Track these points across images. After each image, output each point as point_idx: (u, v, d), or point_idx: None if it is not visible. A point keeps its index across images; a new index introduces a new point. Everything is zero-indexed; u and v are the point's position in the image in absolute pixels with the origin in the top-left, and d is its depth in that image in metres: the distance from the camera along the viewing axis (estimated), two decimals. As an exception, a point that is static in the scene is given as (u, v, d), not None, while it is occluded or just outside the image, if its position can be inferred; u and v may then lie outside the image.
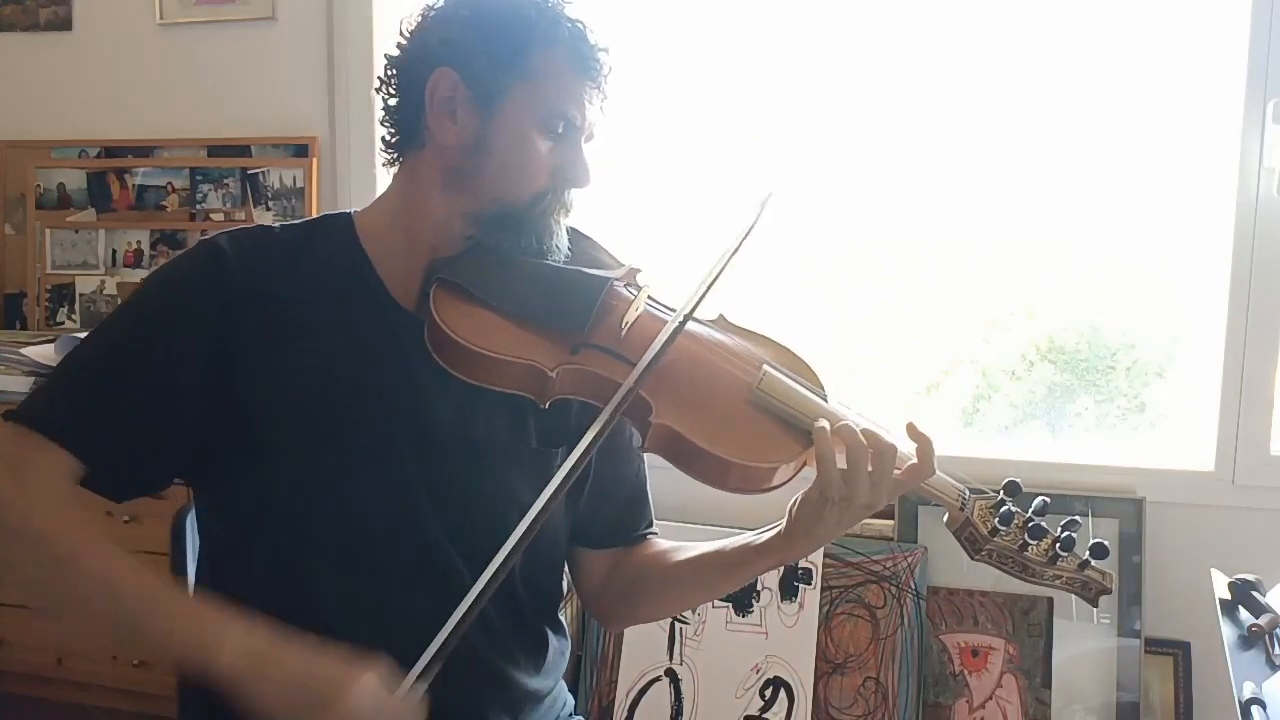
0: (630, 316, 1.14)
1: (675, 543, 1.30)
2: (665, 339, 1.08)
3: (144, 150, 2.87)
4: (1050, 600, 2.15)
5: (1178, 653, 2.15)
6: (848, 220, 2.54)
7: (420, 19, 1.16)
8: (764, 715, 2.20)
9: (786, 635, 2.23)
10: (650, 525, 1.34)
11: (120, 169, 2.88)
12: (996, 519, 1.10)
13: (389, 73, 1.17)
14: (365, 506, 1.12)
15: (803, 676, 2.20)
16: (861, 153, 2.48)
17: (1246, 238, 2.12)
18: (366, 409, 1.13)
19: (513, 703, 1.21)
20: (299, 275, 1.15)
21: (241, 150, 2.80)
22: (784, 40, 2.49)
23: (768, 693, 2.21)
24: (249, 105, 2.77)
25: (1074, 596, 1.13)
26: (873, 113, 2.46)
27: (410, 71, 1.15)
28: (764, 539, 1.15)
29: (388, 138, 1.19)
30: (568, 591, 1.34)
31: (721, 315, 1.24)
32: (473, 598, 1.00)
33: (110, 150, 2.90)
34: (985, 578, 2.14)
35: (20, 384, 2.58)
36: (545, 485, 1.03)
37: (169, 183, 2.85)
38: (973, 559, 1.12)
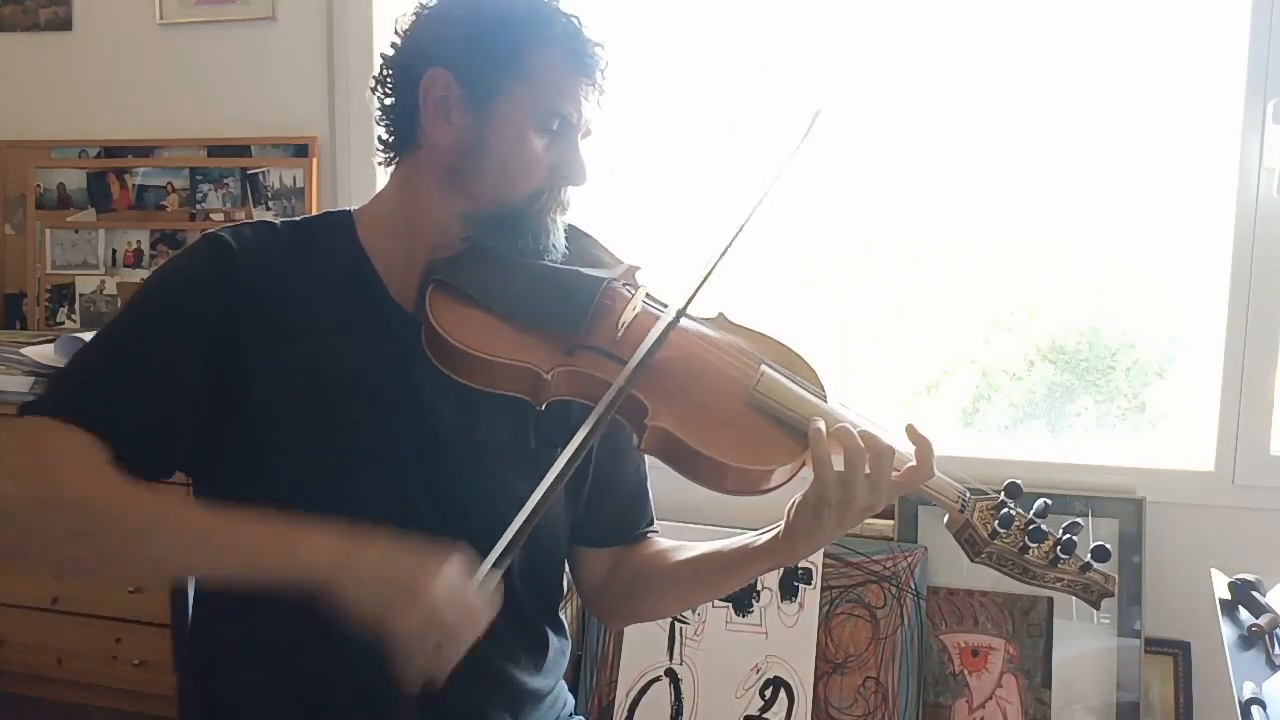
0: (627, 317, 1.13)
1: (676, 542, 1.30)
2: (655, 338, 1.07)
3: (144, 150, 2.87)
4: (1050, 600, 2.15)
5: (1178, 653, 2.15)
6: (848, 220, 2.54)
7: (414, 18, 1.16)
8: (764, 715, 2.20)
9: (786, 635, 2.23)
10: (651, 524, 1.34)
11: (120, 169, 2.88)
12: (996, 521, 1.09)
13: (384, 72, 1.17)
14: (365, 507, 1.11)
15: (803, 676, 2.20)
16: (861, 153, 2.48)
17: (1246, 238, 2.12)
18: (367, 409, 1.12)
19: (513, 702, 1.21)
20: (300, 274, 1.15)
21: (241, 150, 2.80)
22: (784, 40, 2.49)
23: (768, 693, 2.21)
24: (249, 105, 2.77)
25: (1075, 598, 1.12)
26: (873, 113, 2.46)
27: (405, 71, 1.15)
28: (763, 540, 1.15)
29: (384, 137, 1.18)
30: (568, 591, 1.34)
31: (721, 313, 1.23)
32: (541, 492, 1.00)
33: (110, 150, 2.90)
34: (985, 578, 2.14)
35: (20, 384, 2.58)
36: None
37: (169, 183, 2.85)
38: (972, 561, 1.11)
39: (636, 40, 2.50)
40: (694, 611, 2.28)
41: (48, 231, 2.93)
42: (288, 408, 1.11)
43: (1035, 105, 2.37)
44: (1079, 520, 1.11)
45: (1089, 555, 1.11)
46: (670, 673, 2.27)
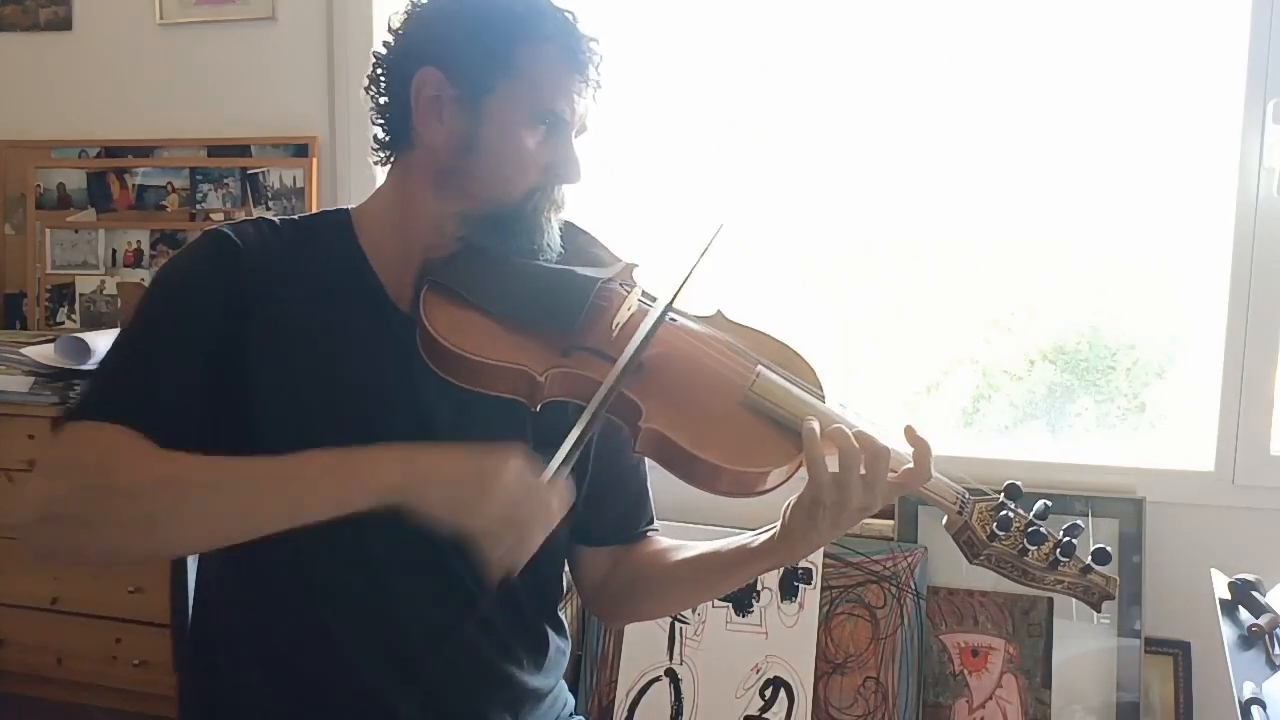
0: (622, 316, 1.12)
1: (675, 541, 1.29)
2: (640, 339, 1.06)
3: (144, 150, 2.87)
4: (1050, 600, 2.15)
5: (1178, 653, 2.15)
6: (848, 220, 2.54)
7: (406, 16, 1.15)
8: (764, 715, 2.20)
9: (786, 635, 2.23)
10: (651, 523, 1.34)
11: (120, 169, 2.88)
12: (995, 524, 1.08)
13: (377, 71, 1.16)
14: None
15: (803, 676, 2.20)
16: (862, 153, 2.48)
17: (1246, 238, 2.12)
18: (365, 410, 1.12)
19: (513, 701, 1.21)
20: (300, 273, 1.14)
21: (241, 150, 2.80)
22: (784, 40, 2.49)
23: (768, 693, 2.21)
24: (249, 105, 2.77)
25: (1076, 600, 1.12)
26: (873, 113, 2.46)
27: (397, 71, 1.14)
28: (760, 542, 1.14)
29: (380, 137, 1.18)
30: (567, 590, 1.34)
31: (719, 311, 1.22)
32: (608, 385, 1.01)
33: (110, 150, 2.90)
34: (985, 578, 2.14)
35: (20, 384, 2.58)
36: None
37: (169, 183, 2.85)
38: (971, 563, 1.10)
39: (636, 40, 2.50)
40: (694, 611, 2.28)
41: (48, 231, 2.93)
42: (286, 407, 1.10)
43: (1035, 105, 2.37)
44: (1079, 522, 1.10)
45: (1089, 558, 1.10)
46: (670, 673, 2.27)
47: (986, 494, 1.11)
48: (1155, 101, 2.30)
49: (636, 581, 1.28)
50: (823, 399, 1.13)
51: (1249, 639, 1.29)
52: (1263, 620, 1.30)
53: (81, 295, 2.92)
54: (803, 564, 2.23)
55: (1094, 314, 2.47)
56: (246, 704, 1.17)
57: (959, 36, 2.40)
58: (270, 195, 2.76)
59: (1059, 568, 1.09)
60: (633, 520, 1.32)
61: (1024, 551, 1.09)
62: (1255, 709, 1.16)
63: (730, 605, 2.26)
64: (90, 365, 2.52)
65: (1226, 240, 2.15)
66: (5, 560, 2.61)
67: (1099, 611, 1.12)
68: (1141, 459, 2.27)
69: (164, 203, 2.86)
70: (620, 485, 1.29)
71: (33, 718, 2.67)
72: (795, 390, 1.10)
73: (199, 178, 2.83)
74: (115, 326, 2.77)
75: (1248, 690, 1.19)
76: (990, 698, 2.16)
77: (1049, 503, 1.11)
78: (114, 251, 2.90)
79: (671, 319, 1.13)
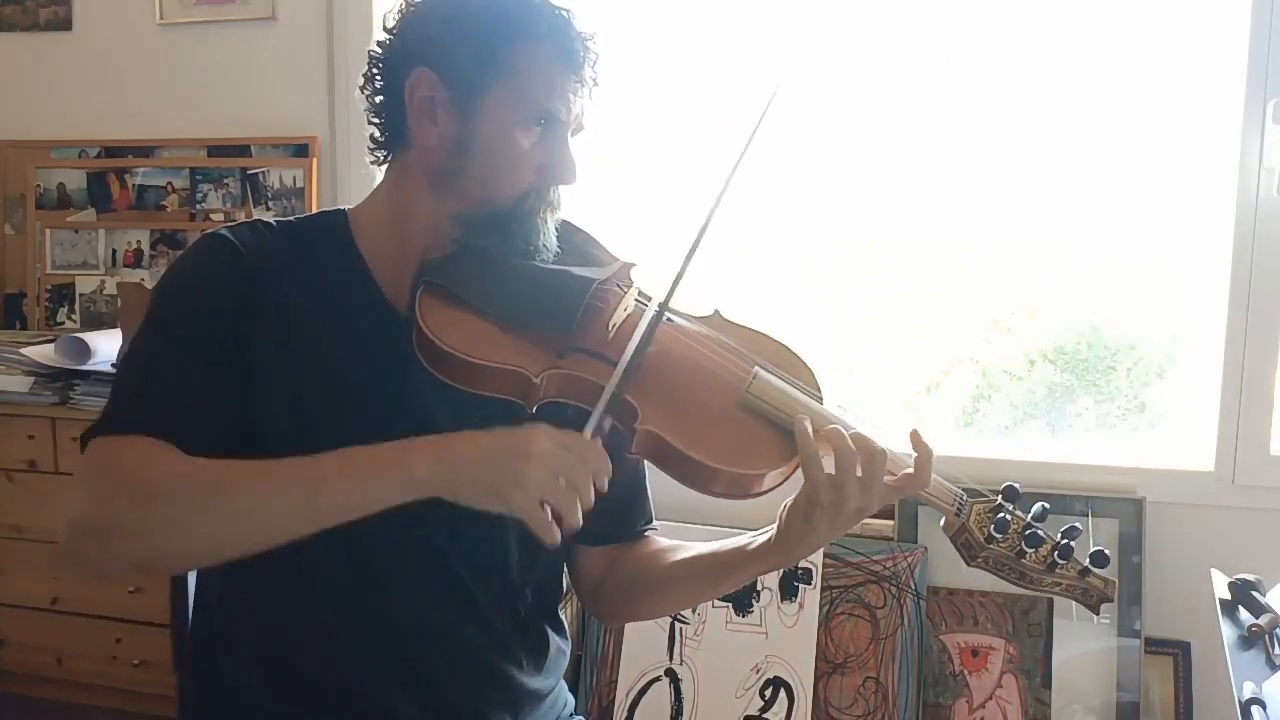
0: (618, 317, 1.12)
1: (674, 541, 1.29)
2: (639, 339, 1.05)
3: (144, 150, 2.88)
4: (1050, 600, 2.15)
5: (1178, 653, 2.15)
6: (848, 220, 2.54)
7: (400, 15, 1.14)
8: (764, 715, 2.20)
9: (786, 635, 2.23)
10: (649, 522, 1.33)
11: (120, 169, 2.88)
12: (993, 526, 1.07)
13: (372, 71, 1.15)
14: None
15: (803, 676, 2.20)
16: (861, 152, 2.48)
17: (1246, 238, 2.12)
18: (366, 411, 1.12)
19: (513, 702, 1.21)
20: (299, 275, 1.14)
21: (241, 150, 2.80)
22: (784, 40, 2.49)
23: (768, 693, 2.21)
24: (249, 105, 2.77)
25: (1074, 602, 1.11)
26: (873, 113, 2.46)
27: (391, 71, 1.13)
28: (758, 543, 1.14)
29: (376, 137, 1.17)
30: (567, 590, 1.34)
31: (716, 311, 1.21)
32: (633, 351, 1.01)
33: (110, 150, 2.90)
34: (985, 578, 2.10)
35: (20, 384, 2.58)
36: None
37: (169, 183, 2.85)
38: (969, 564, 1.09)
39: (635, 38, 2.50)
40: (694, 611, 2.28)
41: (48, 231, 2.93)
42: (287, 407, 1.10)
43: (1036, 105, 2.37)
44: (1077, 524, 1.09)
45: (1087, 560, 1.10)
46: (670, 673, 2.27)
47: (984, 495, 1.10)
48: (1155, 102, 2.29)
49: (634, 582, 1.28)
50: (821, 400, 1.12)
51: (1249, 639, 1.29)
52: (1263, 620, 1.30)
53: (81, 295, 2.92)
54: (803, 564, 2.23)
55: (1094, 314, 2.47)
56: (246, 704, 1.17)
57: (959, 36, 2.39)
58: (270, 195, 2.76)
59: (1057, 570, 1.08)
60: (630, 520, 1.32)
61: (1021, 554, 1.08)
62: (1255, 709, 1.16)
63: (730, 605, 2.26)
64: (90, 365, 2.53)
65: (1226, 240, 2.15)
66: (5, 560, 2.61)
67: (1097, 614, 1.12)
68: (1141, 459, 2.27)
69: (164, 203, 2.86)
70: (618, 484, 1.28)
71: (33, 718, 2.67)
72: (793, 391, 1.10)
73: (199, 178, 2.83)
74: (115, 326, 2.77)
75: (1248, 690, 1.19)
76: (990, 698, 2.16)
77: (1047, 505, 1.11)
78: (114, 251, 2.90)
79: (668, 319, 1.13)
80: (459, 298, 1.09)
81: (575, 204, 1.19)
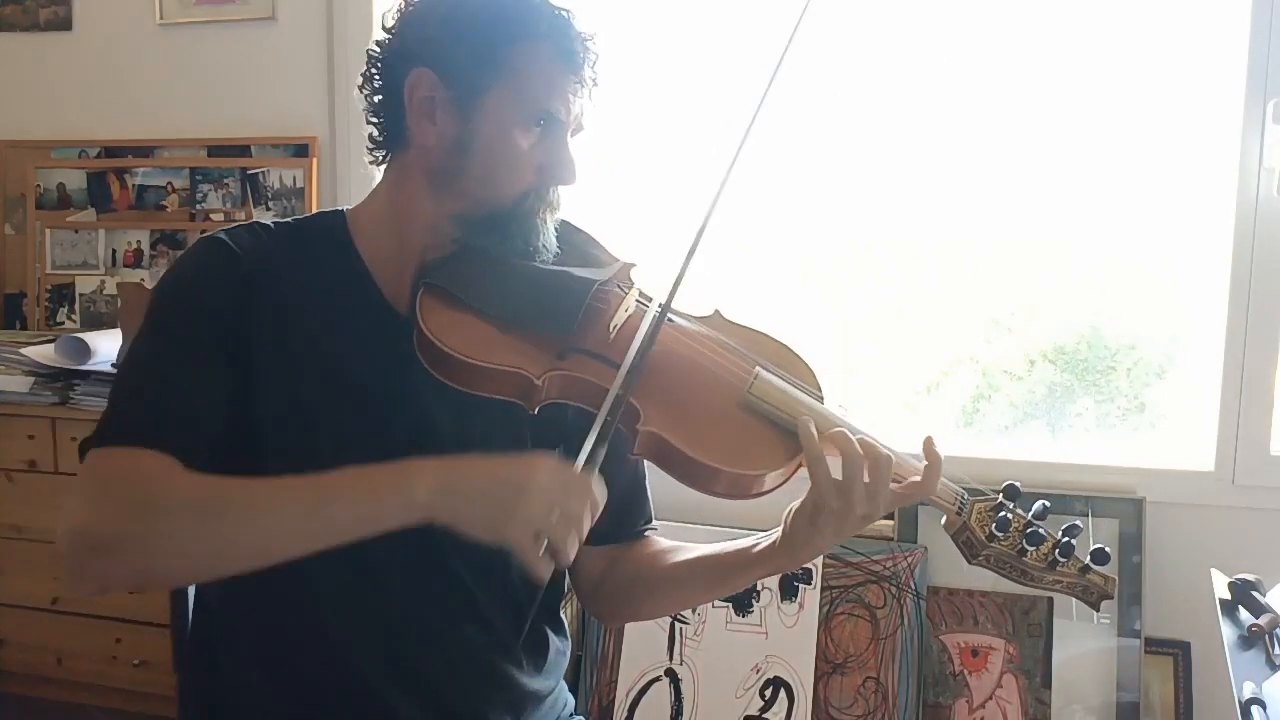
0: (619, 318, 1.12)
1: (675, 542, 1.29)
2: (642, 341, 1.05)
3: (144, 150, 2.88)
4: (1050, 600, 2.15)
5: (1178, 653, 2.15)
6: (848, 220, 2.54)
7: (399, 15, 1.14)
8: (764, 715, 2.20)
9: (786, 635, 2.23)
10: (649, 522, 1.33)
11: (120, 169, 2.88)
12: (994, 524, 1.08)
13: (371, 71, 1.15)
14: None
15: (803, 676, 2.20)
16: (862, 152, 2.48)
17: (1246, 238, 2.12)
18: (366, 413, 1.12)
19: (514, 703, 1.21)
20: (297, 277, 1.14)
21: (241, 150, 2.80)
22: (783, 39, 2.48)
23: (768, 693, 2.21)
24: (249, 105, 2.77)
25: (1075, 600, 1.12)
26: (873, 113, 2.46)
27: (391, 71, 1.13)
28: (761, 547, 1.14)
29: (375, 136, 1.17)
30: (568, 591, 1.34)
31: (717, 311, 1.21)
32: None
33: (110, 150, 2.90)
34: (985, 578, 2.13)
35: (20, 384, 2.58)
36: None
37: (169, 183, 2.85)
38: (970, 563, 1.10)
39: (635, 37, 2.49)
40: (694, 611, 2.28)
41: (48, 231, 2.93)
42: (288, 408, 1.10)
43: (1036, 105, 2.37)
44: (1078, 523, 1.10)
45: (1088, 558, 1.10)
46: (670, 673, 2.27)
47: (985, 494, 1.11)
48: (1155, 102, 2.29)
49: (635, 582, 1.28)
50: (822, 400, 1.13)
51: (1249, 639, 1.29)
52: (1263, 620, 1.30)
53: (81, 295, 2.92)
54: (803, 564, 2.24)
55: (1094, 314, 2.47)
56: (246, 704, 1.17)
57: (959, 36, 2.39)
58: (270, 195, 2.76)
59: (1058, 568, 1.09)
60: (630, 520, 1.31)
61: (1023, 552, 1.09)
62: (1255, 709, 1.16)
63: (730, 605, 2.26)
64: (90, 365, 2.52)
65: (1226, 240, 2.15)
66: (5, 560, 2.61)
67: (1098, 611, 1.12)
68: (1141, 459, 2.27)
69: (164, 203, 2.86)
70: (618, 484, 1.28)
71: (33, 718, 2.67)
72: (794, 392, 1.10)
73: (199, 178, 2.83)
74: (115, 326, 2.77)
75: (1248, 690, 1.19)
76: (990, 698, 2.16)
77: (1047, 503, 1.11)
78: (114, 251, 2.90)
79: (670, 320, 1.13)
80: (460, 299, 1.09)
81: (575, 204, 1.19)
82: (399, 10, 1.14)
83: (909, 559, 2.21)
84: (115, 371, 1.16)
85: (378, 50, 1.15)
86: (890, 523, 2.26)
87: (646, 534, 1.32)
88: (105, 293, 2.91)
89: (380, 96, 1.15)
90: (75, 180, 2.92)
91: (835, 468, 1.04)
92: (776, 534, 1.12)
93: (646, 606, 1.35)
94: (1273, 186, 2.09)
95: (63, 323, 2.92)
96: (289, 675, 1.15)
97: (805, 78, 2.48)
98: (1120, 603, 2.11)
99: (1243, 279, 2.13)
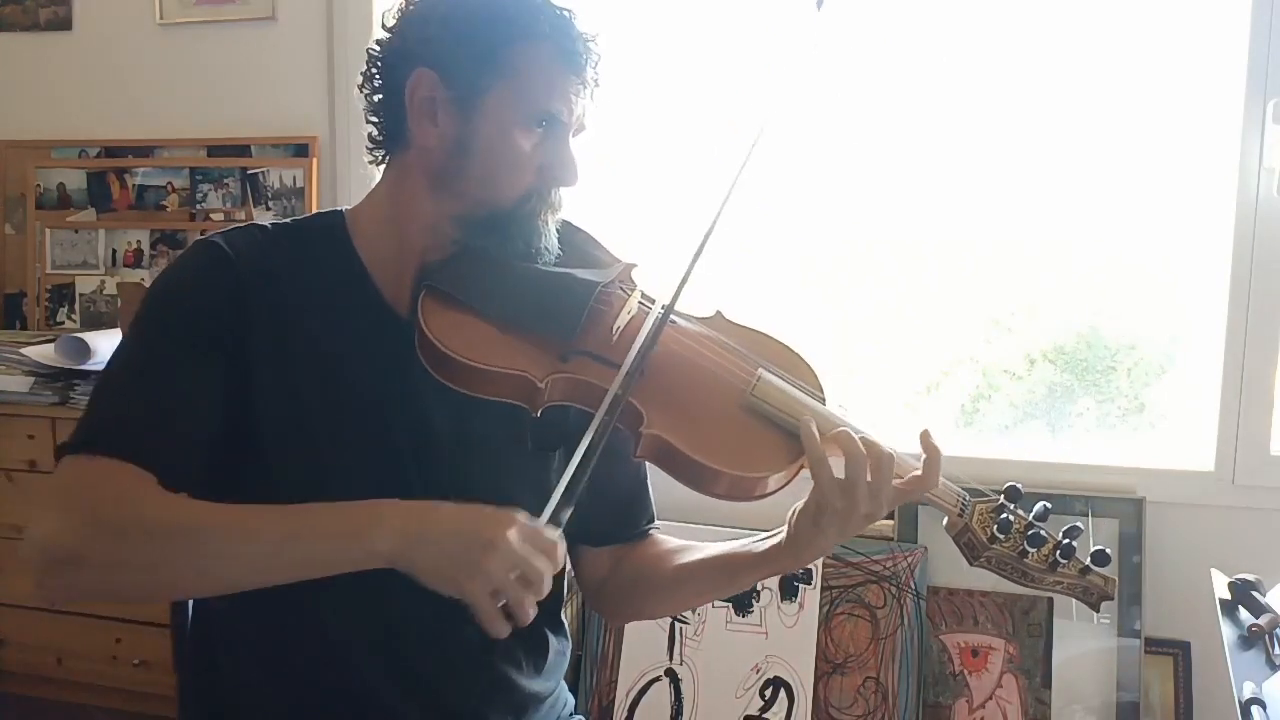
0: (622, 320, 1.12)
1: (680, 542, 1.29)
2: (643, 343, 1.05)
3: (144, 150, 2.87)
4: (1050, 600, 2.15)
5: (1178, 653, 2.15)
6: (848, 220, 2.54)
7: (399, 14, 1.13)
8: (764, 715, 2.20)
9: (786, 635, 2.23)
10: (651, 521, 1.33)
11: (120, 169, 2.88)
12: (995, 526, 1.08)
13: (371, 71, 1.15)
14: None
15: (803, 676, 2.20)
16: (862, 152, 2.48)
17: (1246, 238, 2.12)
18: (366, 415, 1.12)
19: (514, 705, 1.21)
20: (296, 278, 1.13)
21: (241, 150, 2.80)
22: (785, 40, 2.48)
23: (768, 693, 2.21)
24: (249, 105, 2.77)
25: (1075, 600, 1.12)
26: (873, 113, 2.46)
27: (391, 71, 1.13)
28: (766, 547, 1.14)
29: (375, 136, 1.16)
30: (567, 592, 1.34)
31: (719, 312, 1.21)
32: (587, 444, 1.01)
33: (110, 150, 2.90)
34: (985, 578, 2.11)
35: (20, 384, 2.58)
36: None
37: (169, 183, 2.85)
38: (971, 564, 1.10)
39: (637, 37, 2.49)
40: (694, 611, 2.28)
41: (48, 231, 2.93)
42: (287, 411, 1.10)
43: (1036, 105, 2.37)
44: (1078, 524, 1.10)
45: (1088, 559, 1.10)
46: (670, 673, 2.27)
47: (986, 495, 1.11)
48: (1155, 102, 2.29)
49: (640, 582, 1.28)
50: (824, 402, 1.13)
51: (1249, 639, 1.29)
52: (1263, 620, 1.30)
53: (81, 295, 2.92)
54: (803, 564, 2.23)
55: (1094, 314, 2.47)
56: (246, 704, 1.17)
57: (959, 36, 2.39)
58: (270, 195, 2.76)
59: (1058, 569, 1.09)
60: (633, 519, 1.32)
61: (1024, 553, 1.09)
62: (1255, 709, 1.16)
63: (730, 605, 2.26)
64: (90, 365, 2.52)
65: (1226, 240, 2.15)
66: (5, 560, 2.61)
67: (1098, 612, 1.12)
68: (1141, 459, 2.27)
69: (164, 203, 2.86)
70: (619, 485, 1.29)
71: (33, 718, 2.67)
72: (796, 393, 1.10)
73: (199, 178, 2.83)
74: (115, 326, 2.77)
75: (1248, 690, 1.19)
76: (990, 698, 2.16)
77: (1049, 504, 1.11)
78: (114, 251, 2.90)
79: (672, 321, 1.13)
80: (461, 301, 1.08)
81: (576, 204, 1.19)
82: (399, 10, 1.14)
83: (909, 559, 2.21)
84: (99, 377, 1.14)
85: (378, 50, 1.15)
86: (890, 523, 2.26)
87: (649, 533, 1.32)
88: (105, 293, 2.91)
89: (380, 96, 1.14)
90: (75, 180, 2.92)
91: (836, 467, 1.04)
92: (781, 534, 1.12)
93: (651, 606, 1.35)
94: (1273, 186, 2.09)
95: (63, 323, 2.92)
96: (289, 676, 1.15)
97: (807, 78, 2.48)
98: (1120, 603, 2.11)
99: (1243, 279, 2.13)
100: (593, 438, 1.03)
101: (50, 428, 2.55)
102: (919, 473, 1.07)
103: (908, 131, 2.44)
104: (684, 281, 1.09)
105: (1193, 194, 2.29)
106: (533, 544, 0.96)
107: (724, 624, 2.26)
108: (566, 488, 1.01)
